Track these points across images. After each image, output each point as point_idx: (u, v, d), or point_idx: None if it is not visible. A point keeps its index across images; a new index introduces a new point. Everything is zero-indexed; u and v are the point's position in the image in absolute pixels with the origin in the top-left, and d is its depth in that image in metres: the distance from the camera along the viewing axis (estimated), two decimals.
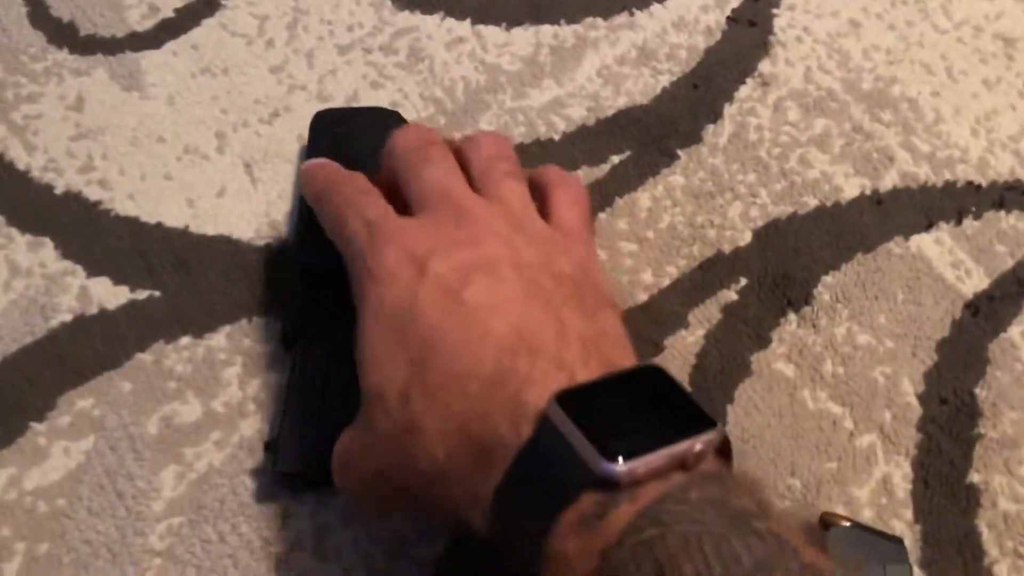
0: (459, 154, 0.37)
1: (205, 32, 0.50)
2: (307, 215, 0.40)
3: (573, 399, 0.25)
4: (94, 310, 0.42)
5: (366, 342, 0.32)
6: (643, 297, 0.43)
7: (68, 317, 0.42)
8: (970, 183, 0.47)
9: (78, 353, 0.41)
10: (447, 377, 0.29)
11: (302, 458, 0.37)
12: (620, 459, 0.23)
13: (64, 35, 0.50)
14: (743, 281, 0.44)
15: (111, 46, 0.49)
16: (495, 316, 0.29)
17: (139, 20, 0.50)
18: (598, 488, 0.24)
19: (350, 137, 0.44)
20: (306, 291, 0.40)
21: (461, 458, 0.28)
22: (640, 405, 0.26)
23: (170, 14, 0.51)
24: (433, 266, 0.31)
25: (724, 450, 0.27)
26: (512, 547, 0.26)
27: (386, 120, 0.45)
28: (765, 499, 0.24)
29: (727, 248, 0.44)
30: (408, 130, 0.38)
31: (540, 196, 0.37)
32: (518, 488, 0.26)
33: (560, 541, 0.24)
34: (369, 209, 0.34)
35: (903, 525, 0.39)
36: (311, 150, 0.44)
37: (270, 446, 0.38)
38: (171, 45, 0.50)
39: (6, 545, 0.37)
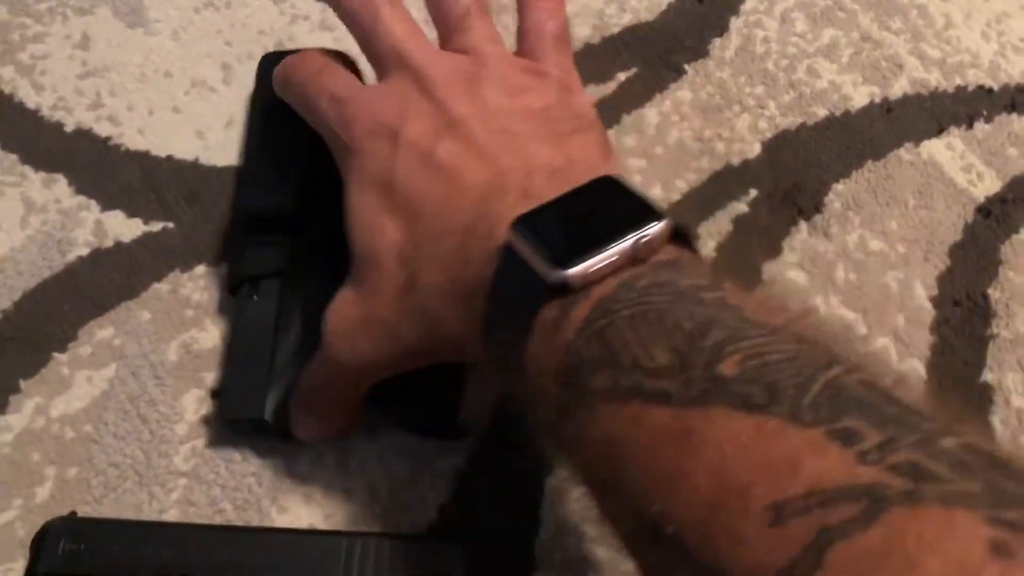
0: None
1: None
2: (247, 160, 0.40)
3: (530, 219, 0.27)
4: (110, 243, 0.43)
5: (355, 212, 0.34)
6: None
7: (85, 251, 0.42)
8: (981, 87, 0.46)
9: (96, 285, 0.42)
10: (433, 234, 0.31)
11: (248, 405, 0.37)
12: (571, 265, 0.25)
13: None
14: (753, 193, 0.44)
15: None
16: (466, 171, 0.31)
17: None
18: (557, 295, 0.26)
19: None
20: (248, 237, 0.40)
21: (454, 302, 0.30)
22: (592, 213, 0.27)
23: None
24: (404, 134, 0.33)
25: (685, 239, 0.28)
26: (506, 370, 0.28)
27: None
28: (718, 275, 0.26)
29: (736, 161, 0.44)
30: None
31: (518, 12, 0.38)
32: (496, 312, 0.28)
33: (532, 346, 0.26)
34: (335, 86, 0.35)
35: None
36: (258, 92, 0.43)
37: (215, 394, 0.39)
38: None
39: (36, 470, 0.38)
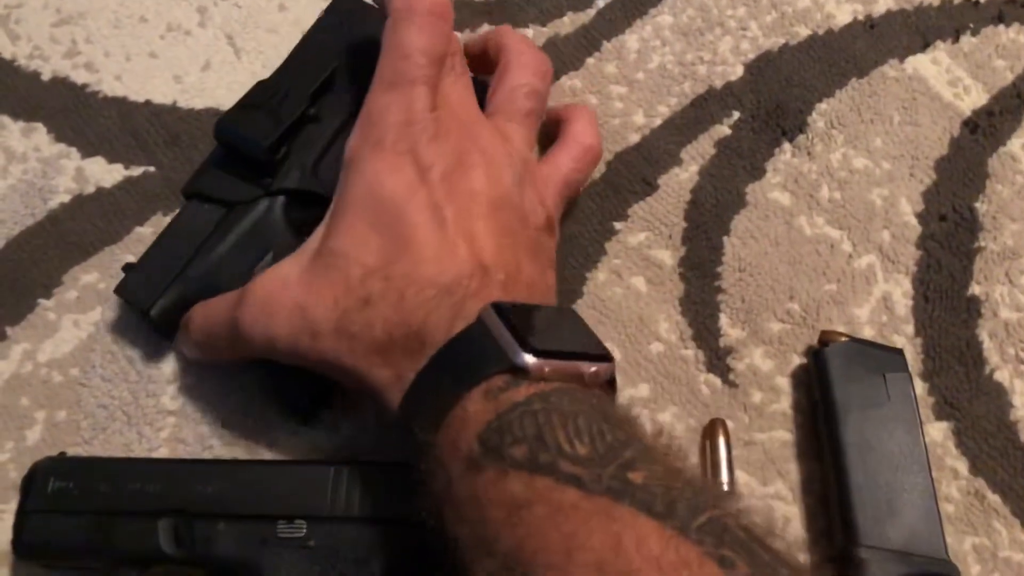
0: (488, 56, 0.40)
1: None
2: (256, 87, 0.40)
3: (506, 309, 0.30)
4: (91, 189, 0.43)
5: (348, 208, 0.34)
6: (635, 138, 0.43)
7: (67, 198, 0.42)
8: (968, 0, 0.45)
9: (79, 231, 0.42)
10: (411, 277, 0.32)
11: (142, 294, 0.38)
12: (533, 355, 0.29)
13: None
14: (736, 115, 0.43)
15: None
16: (466, 241, 0.33)
17: None
18: (509, 372, 0.29)
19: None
20: (217, 159, 0.40)
21: (396, 342, 0.32)
22: (559, 330, 0.32)
23: None
24: (431, 177, 0.34)
25: (612, 386, 0.32)
26: (416, 422, 0.30)
27: None
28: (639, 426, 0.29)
29: (718, 84, 0.44)
30: (426, 30, 0.35)
31: (552, 126, 0.40)
32: (441, 368, 0.30)
33: (463, 407, 0.29)
34: (420, 98, 0.35)
35: (904, 340, 0.39)
36: (316, 30, 0.42)
37: (127, 268, 0.39)
38: None
39: (26, 414, 0.39)
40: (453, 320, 0.31)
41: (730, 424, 0.38)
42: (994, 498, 0.37)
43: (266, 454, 0.38)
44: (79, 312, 0.40)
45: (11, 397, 0.39)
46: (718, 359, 0.39)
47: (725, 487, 0.37)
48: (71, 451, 0.38)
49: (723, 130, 0.43)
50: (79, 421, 0.39)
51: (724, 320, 0.40)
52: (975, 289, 0.39)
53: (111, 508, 0.34)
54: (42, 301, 0.41)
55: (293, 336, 0.33)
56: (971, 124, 0.42)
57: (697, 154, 0.42)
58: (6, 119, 0.44)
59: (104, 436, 0.38)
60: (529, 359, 0.29)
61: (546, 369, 0.29)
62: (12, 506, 0.35)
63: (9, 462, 0.38)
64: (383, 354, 0.32)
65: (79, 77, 0.45)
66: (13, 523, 0.34)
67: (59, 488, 0.35)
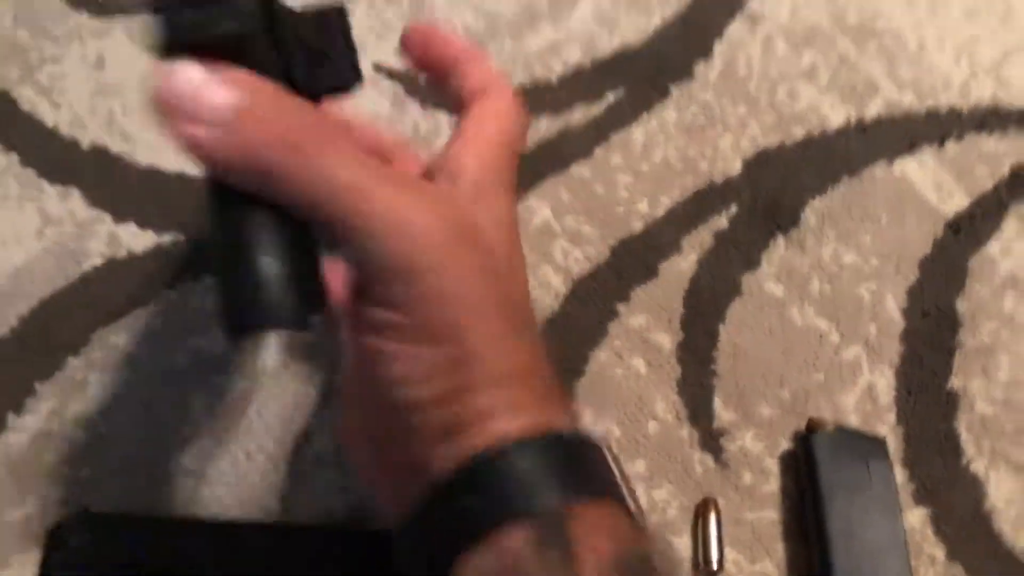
0: (446, 74, 0.34)
1: None
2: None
3: (539, 447, 0.27)
4: (123, 253, 0.45)
5: (448, 264, 0.28)
6: (639, 225, 0.45)
7: (99, 261, 0.45)
8: (952, 108, 0.48)
9: (110, 293, 0.44)
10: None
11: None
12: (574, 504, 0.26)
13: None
14: (734, 208, 0.46)
15: (128, 7, 0.52)
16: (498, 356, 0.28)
17: None
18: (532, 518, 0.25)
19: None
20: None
21: (396, 450, 0.28)
22: (584, 467, 0.28)
23: None
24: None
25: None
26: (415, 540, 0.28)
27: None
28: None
29: (718, 178, 0.47)
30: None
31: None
32: (447, 503, 0.27)
33: (481, 559, 0.25)
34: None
35: (887, 428, 0.41)
36: None
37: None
38: None
39: (52, 469, 0.41)
40: (471, 448, 0.27)
41: (721, 502, 0.40)
42: None
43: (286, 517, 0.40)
44: (106, 372, 0.42)
45: (38, 452, 0.41)
46: (712, 440, 0.41)
47: (715, 564, 0.39)
48: (94, 507, 0.39)
49: (721, 222, 0.45)
50: (103, 478, 0.40)
51: (718, 403, 0.42)
52: (954, 383, 0.42)
53: (135, 564, 0.36)
54: (71, 359, 0.43)
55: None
56: (954, 226, 0.45)
57: (697, 244, 0.45)
58: (44, 184, 0.47)
59: (127, 493, 0.40)
60: (566, 509, 0.26)
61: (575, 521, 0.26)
62: (34, 557, 0.37)
63: (33, 515, 0.40)
64: (389, 459, 0.29)
65: (115, 146, 0.48)
66: None
67: (83, 544, 0.37)
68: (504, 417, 0.27)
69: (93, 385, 0.42)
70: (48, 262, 0.45)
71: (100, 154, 0.47)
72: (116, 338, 0.43)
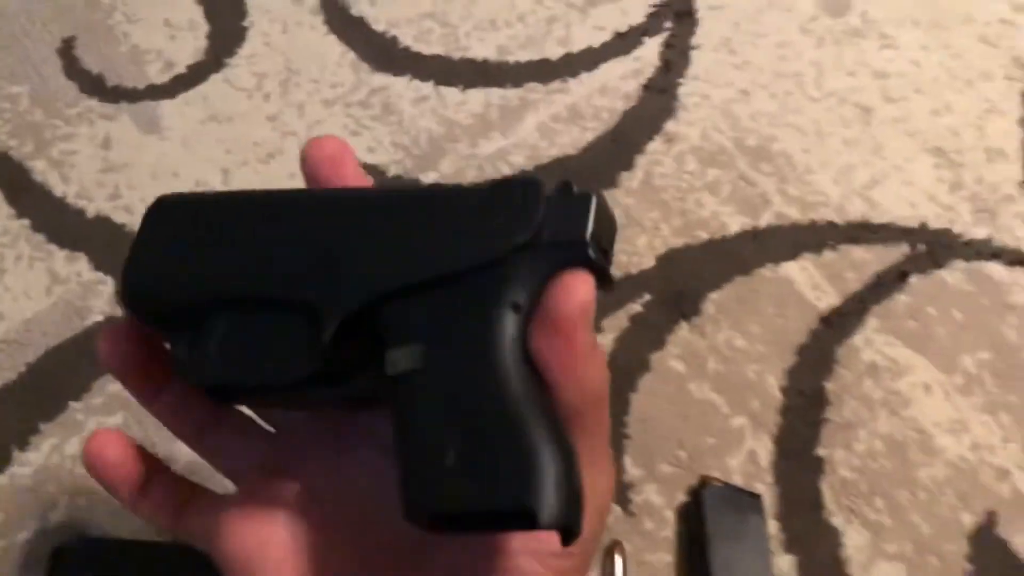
0: None
1: (213, 86, 0.60)
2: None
3: None
4: (122, 312, 0.52)
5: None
6: None
7: (100, 317, 0.51)
8: (830, 222, 0.58)
9: None
10: None
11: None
12: None
13: (94, 86, 0.59)
14: (647, 296, 0.55)
15: (133, 95, 0.59)
16: None
17: (157, 74, 0.61)
18: None
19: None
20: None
21: None
22: None
23: (183, 70, 0.61)
24: None
25: None
26: None
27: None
28: None
29: (635, 271, 0.56)
30: None
31: None
32: None
33: None
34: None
35: (765, 487, 0.50)
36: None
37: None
38: (184, 96, 0.60)
39: (52, 499, 0.47)
40: None
41: (627, 545, 0.48)
42: None
43: None
44: (104, 415, 0.49)
45: (39, 484, 0.47)
46: (621, 492, 0.49)
47: None
48: (90, 533, 0.46)
49: (636, 308, 0.54)
50: (97, 506, 0.47)
51: (628, 460, 0.50)
52: (821, 451, 0.51)
53: None
54: (72, 403, 0.49)
55: None
56: (826, 320, 0.55)
57: (615, 325, 0.54)
58: (53, 247, 0.53)
59: (118, 521, 0.46)
60: None
61: None
62: None
63: (33, 539, 0.46)
64: None
65: (118, 217, 0.55)
66: None
67: (80, 567, 0.43)
68: None
69: (91, 426, 0.49)
70: (55, 316, 0.51)
71: (104, 223, 0.54)
72: (113, 386, 0.50)
